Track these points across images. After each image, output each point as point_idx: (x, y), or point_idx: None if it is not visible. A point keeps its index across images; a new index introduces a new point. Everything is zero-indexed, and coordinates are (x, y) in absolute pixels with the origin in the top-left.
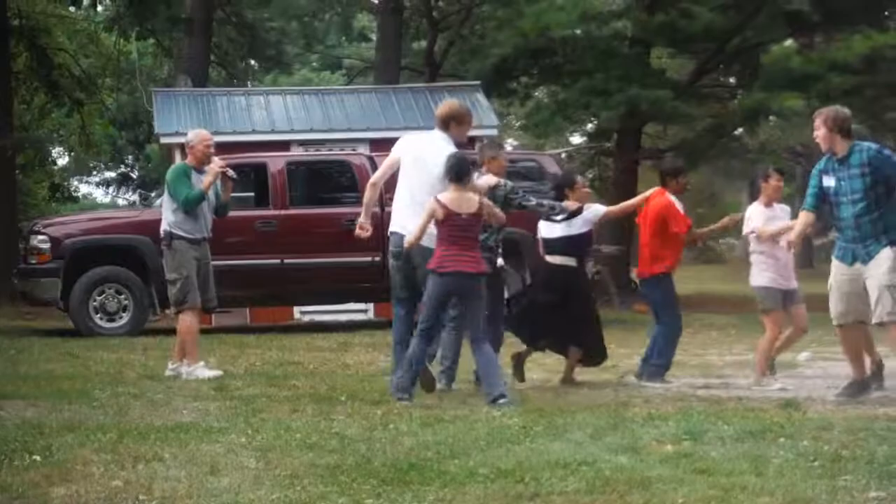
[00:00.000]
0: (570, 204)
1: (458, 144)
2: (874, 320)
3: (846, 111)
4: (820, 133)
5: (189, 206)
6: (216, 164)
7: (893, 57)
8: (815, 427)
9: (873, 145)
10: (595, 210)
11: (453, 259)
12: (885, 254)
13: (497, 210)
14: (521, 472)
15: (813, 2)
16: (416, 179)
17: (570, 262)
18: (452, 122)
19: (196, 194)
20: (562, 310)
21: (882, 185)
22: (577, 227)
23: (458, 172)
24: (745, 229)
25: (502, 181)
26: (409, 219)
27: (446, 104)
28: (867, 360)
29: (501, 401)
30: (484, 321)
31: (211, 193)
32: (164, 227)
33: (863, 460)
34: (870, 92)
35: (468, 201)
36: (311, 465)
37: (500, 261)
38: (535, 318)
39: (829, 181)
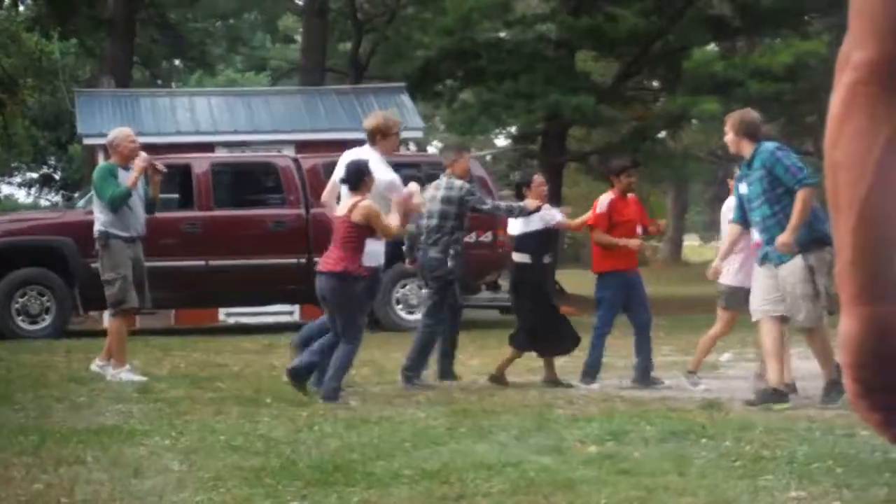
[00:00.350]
0: (529, 202)
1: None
2: (795, 325)
3: (753, 114)
4: (728, 137)
5: (115, 205)
6: (141, 158)
7: (815, 64)
8: (736, 427)
9: (770, 146)
10: (552, 214)
11: (323, 259)
12: (797, 262)
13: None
14: (446, 474)
15: (735, 7)
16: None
17: (524, 258)
18: (378, 136)
19: (121, 192)
20: (517, 305)
21: (781, 187)
22: (533, 224)
23: (348, 179)
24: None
25: (458, 182)
26: None
27: (372, 117)
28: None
29: (332, 396)
30: (350, 323)
31: (141, 190)
32: (98, 227)
33: (783, 460)
34: (789, 97)
35: (343, 204)
36: (236, 467)
37: (449, 262)
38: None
39: (743, 188)
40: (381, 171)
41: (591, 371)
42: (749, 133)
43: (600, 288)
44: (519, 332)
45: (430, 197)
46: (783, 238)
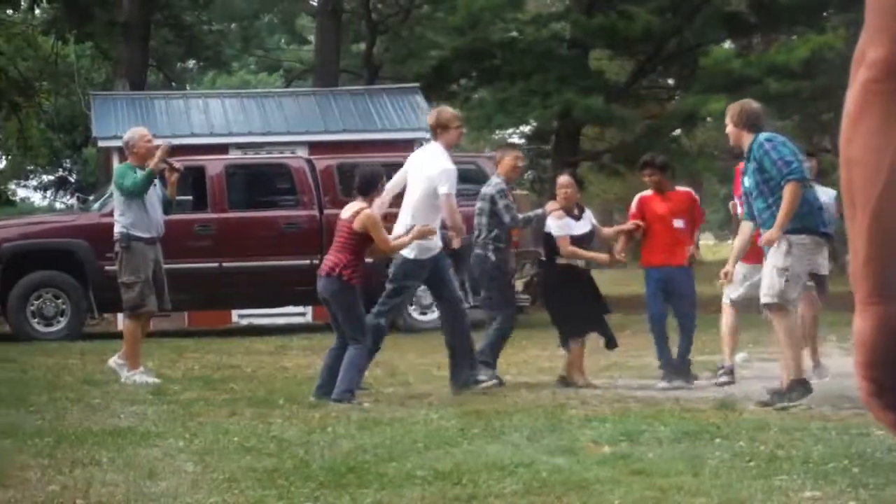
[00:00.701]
0: (549, 206)
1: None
2: (761, 301)
3: (754, 105)
4: (728, 129)
5: (139, 189)
6: (163, 144)
7: (831, 58)
8: (751, 427)
9: (761, 137)
10: (557, 227)
11: (323, 262)
12: (782, 244)
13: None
14: (459, 474)
15: (751, 4)
16: (408, 188)
17: (542, 255)
18: (439, 130)
19: (145, 175)
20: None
21: (773, 179)
22: (547, 227)
23: (360, 185)
24: None
25: (496, 180)
26: (399, 223)
27: (431, 113)
28: (806, 361)
29: (344, 399)
30: (352, 326)
31: (158, 190)
32: (119, 229)
33: (798, 460)
34: (805, 94)
35: (349, 208)
36: (249, 468)
37: (490, 256)
38: None
39: (746, 181)
40: (441, 161)
41: (669, 368)
42: (749, 124)
43: (645, 283)
44: (560, 334)
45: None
46: (770, 234)
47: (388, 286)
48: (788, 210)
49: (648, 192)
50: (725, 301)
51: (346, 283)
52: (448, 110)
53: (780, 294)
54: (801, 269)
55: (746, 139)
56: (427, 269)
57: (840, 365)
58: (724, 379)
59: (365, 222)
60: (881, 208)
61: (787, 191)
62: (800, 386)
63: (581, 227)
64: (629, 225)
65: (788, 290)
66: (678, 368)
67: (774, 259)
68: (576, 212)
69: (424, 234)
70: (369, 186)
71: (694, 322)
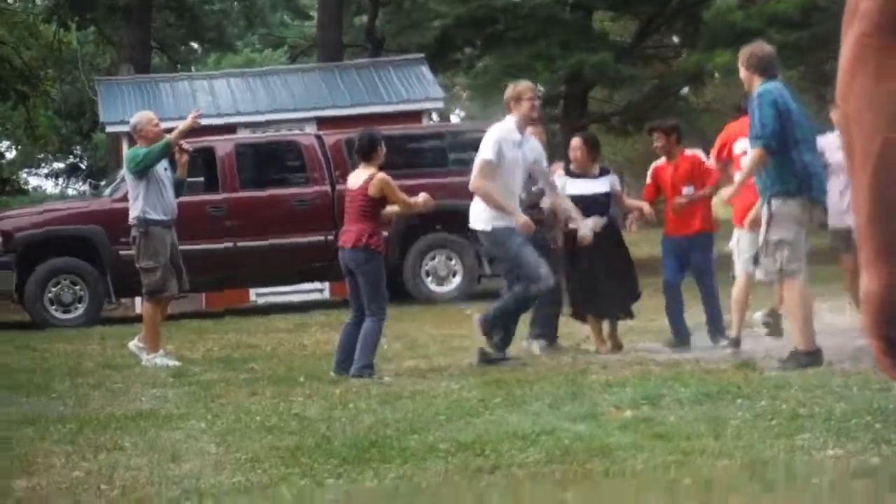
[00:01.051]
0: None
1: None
2: (757, 277)
3: (766, 48)
4: (741, 73)
5: (151, 159)
6: (192, 117)
7: (826, 6)
8: (772, 386)
9: (757, 90)
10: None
11: (342, 234)
12: (765, 210)
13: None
14: (481, 445)
15: None
16: None
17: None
18: (512, 103)
19: (162, 144)
20: None
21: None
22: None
23: (360, 150)
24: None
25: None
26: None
27: (508, 88)
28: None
29: (363, 374)
30: (376, 297)
31: (169, 172)
32: (135, 213)
33: (820, 418)
34: (805, 43)
35: (357, 177)
36: (272, 447)
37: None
38: None
39: None
40: (495, 132)
41: (676, 334)
42: (760, 68)
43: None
44: (571, 304)
45: None
46: (725, 191)
47: (505, 266)
48: (744, 174)
49: (661, 161)
50: (738, 271)
51: (374, 251)
52: (523, 83)
53: (778, 269)
54: (790, 235)
55: (757, 83)
56: (511, 234)
57: (857, 320)
58: (728, 352)
59: (381, 186)
60: (881, 165)
61: (753, 154)
62: (803, 357)
63: (593, 186)
64: (642, 206)
65: (787, 261)
66: (685, 337)
67: (762, 233)
68: (595, 171)
69: (426, 203)
70: (371, 149)
71: (712, 288)
